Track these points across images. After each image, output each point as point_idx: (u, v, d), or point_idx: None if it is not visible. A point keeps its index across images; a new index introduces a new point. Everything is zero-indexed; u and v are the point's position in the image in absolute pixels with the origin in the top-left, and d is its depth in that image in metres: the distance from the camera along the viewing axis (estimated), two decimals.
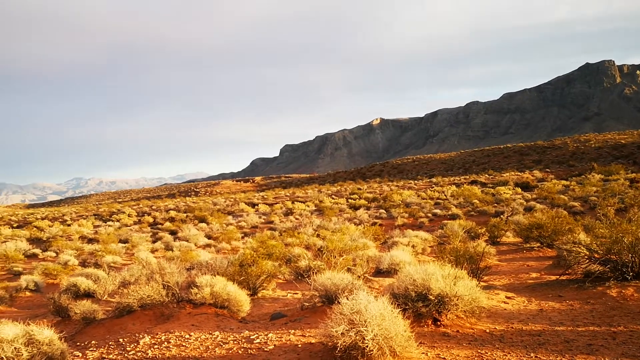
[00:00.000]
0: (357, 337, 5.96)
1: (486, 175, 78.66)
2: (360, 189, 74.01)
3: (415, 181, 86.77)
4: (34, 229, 49.06)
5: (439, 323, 7.71)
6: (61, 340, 6.78)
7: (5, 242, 35.90)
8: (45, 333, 6.57)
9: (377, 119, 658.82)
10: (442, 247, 15.17)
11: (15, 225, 58.53)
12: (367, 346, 5.91)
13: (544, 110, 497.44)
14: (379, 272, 14.59)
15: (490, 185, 59.54)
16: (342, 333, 6.02)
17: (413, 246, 19.78)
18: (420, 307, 7.65)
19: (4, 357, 6.09)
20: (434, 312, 7.71)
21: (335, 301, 7.30)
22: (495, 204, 39.53)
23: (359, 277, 11.18)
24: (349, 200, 56.27)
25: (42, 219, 64.00)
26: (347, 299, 6.44)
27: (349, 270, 11.51)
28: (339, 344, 6.00)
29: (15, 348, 6.19)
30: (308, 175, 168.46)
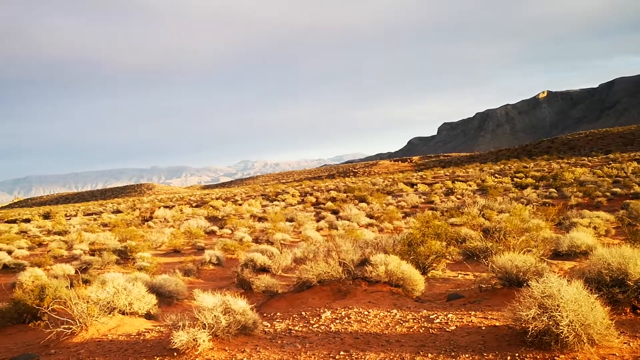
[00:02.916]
0: (551, 323, 5.61)
1: None
2: (526, 167, 70.14)
3: (589, 158, 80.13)
4: (210, 208, 53.47)
5: (638, 311, 7.00)
6: (252, 310, 7.26)
7: (187, 219, 39.61)
8: (240, 303, 7.07)
9: (543, 92, 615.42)
10: (632, 229, 13.78)
11: (194, 205, 64.31)
12: (561, 332, 5.53)
13: None
14: (556, 255, 13.70)
15: None
16: (533, 317, 5.71)
17: (595, 227, 18.25)
18: (616, 293, 6.99)
19: (206, 324, 6.67)
20: (632, 299, 7.00)
21: (523, 284, 6.95)
22: None
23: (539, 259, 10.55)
24: (514, 179, 53.53)
25: (217, 199, 69.46)
26: (537, 281, 6.07)
27: (527, 252, 10.90)
28: (529, 329, 5.70)
29: (214, 316, 6.75)
30: (468, 154, 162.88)
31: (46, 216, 65.71)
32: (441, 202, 41.02)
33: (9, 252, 23.91)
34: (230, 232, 30.99)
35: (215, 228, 32.78)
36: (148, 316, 9.23)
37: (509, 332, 6.33)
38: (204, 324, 6.68)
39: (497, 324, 6.82)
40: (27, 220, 59.45)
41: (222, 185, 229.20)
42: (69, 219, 57.09)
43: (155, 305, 9.41)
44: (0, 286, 15.28)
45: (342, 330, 7.18)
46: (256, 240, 25.28)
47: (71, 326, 8.03)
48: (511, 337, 6.18)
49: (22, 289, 13.72)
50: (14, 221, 61.78)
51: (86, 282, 14.14)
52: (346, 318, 7.72)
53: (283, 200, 57.47)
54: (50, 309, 8.40)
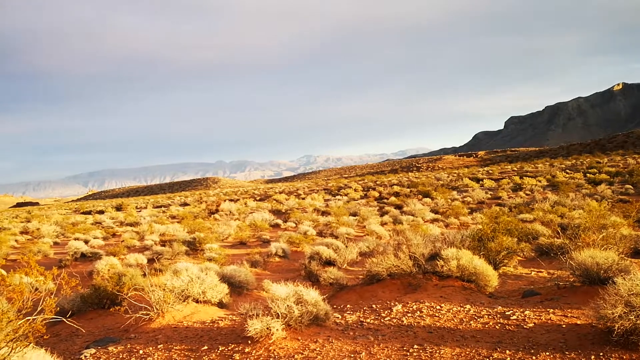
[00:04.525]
0: (638, 322, 5.34)
1: None
2: (599, 162, 67.18)
3: None
4: (274, 201, 54.18)
5: None
6: (324, 301, 7.29)
7: (252, 213, 40.29)
8: (312, 294, 7.12)
9: (618, 84, 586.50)
10: None
11: (258, 198, 65.38)
12: None
13: None
14: (637, 253, 13.08)
15: None
16: (619, 316, 5.45)
17: None
18: None
19: (279, 313, 6.75)
20: None
21: (605, 281, 6.65)
22: None
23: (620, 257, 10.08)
24: (587, 174, 51.39)
25: (280, 192, 70.32)
26: (623, 279, 5.79)
27: (607, 249, 10.44)
28: (615, 328, 5.45)
29: (287, 306, 6.83)
30: (537, 149, 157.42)
31: (118, 208, 68.48)
32: (509, 198, 39.90)
33: (86, 242, 25.09)
34: (294, 225, 31.25)
35: (279, 221, 33.13)
36: (220, 305, 9.44)
37: (592, 330, 6.08)
38: (277, 314, 6.76)
39: (579, 322, 6.56)
40: (101, 212, 62.21)
41: (285, 179, 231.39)
42: (140, 211, 59.28)
43: (227, 294, 9.62)
44: (81, 273, 16.06)
45: (415, 324, 7.10)
46: (320, 234, 25.38)
47: (149, 312, 8.33)
48: (594, 335, 5.93)
49: (100, 277, 14.37)
50: (89, 212, 64.80)
51: (159, 271, 14.63)
52: (418, 312, 7.62)
53: (345, 195, 57.48)
54: (129, 295, 8.74)
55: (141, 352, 6.91)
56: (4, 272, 13.98)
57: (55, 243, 27.74)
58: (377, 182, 72.39)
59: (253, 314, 6.78)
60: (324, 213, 38.46)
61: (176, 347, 6.92)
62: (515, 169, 74.29)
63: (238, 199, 62.86)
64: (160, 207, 66.78)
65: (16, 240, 28.80)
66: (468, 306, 7.78)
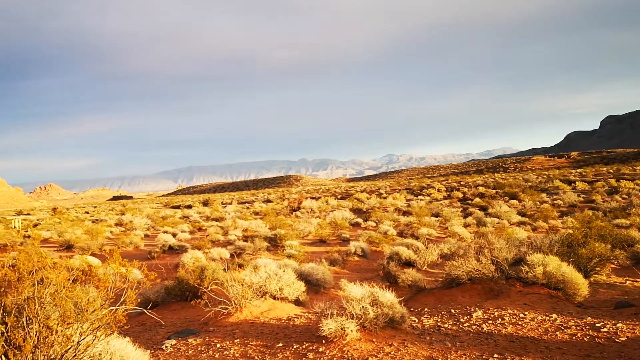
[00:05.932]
0: None
1: None
2: None
3: None
4: (355, 200, 54.16)
5: None
6: (400, 304, 7.12)
7: (332, 211, 40.45)
8: (387, 296, 6.97)
9: None
10: None
11: (339, 197, 65.64)
12: None
13: None
14: None
15: None
16: None
17: None
18: None
19: (354, 314, 6.66)
20: None
21: None
22: None
23: None
24: None
25: (361, 191, 70.25)
26: None
27: None
28: None
29: (362, 307, 6.73)
30: (636, 150, 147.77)
31: (205, 203, 71.01)
32: (603, 201, 37.72)
33: (174, 235, 26.16)
34: (374, 224, 31.05)
35: (359, 220, 33.06)
36: (297, 302, 9.49)
37: None
38: (352, 314, 6.68)
39: None
40: (189, 207, 64.73)
41: (367, 178, 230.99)
42: (225, 206, 61.16)
43: (304, 292, 9.65)
44: (167, 265, 16.72)
45: (495, 331, 6.79)
46: (401, 234, 25.06)
47: (227, 307, 8.50)
48: None
49: (185, 269, 14.89)
50: (178, 207, 67.62)
51: (240, 266, 14.95)
52: (499, 319, 7.29)
53: (428, 195, 56.56)
54: (209, 289, 8.96)
55: (218, 345, 7.05)
56: (93, 262, 14.80)
57: (146, 235, 29.13)
58: (461, 183, 70.76)
59: (328, 314, 6.74)
60: (405, 213, 37.97)
61: (252, 343, 7.00)
62: (611, 171, 70.20)
63: (319, 197, 63.41)
64: (244, 203, 68.57)
65: (111, 232, 30.54)
66: (554, 315, 7.36)
